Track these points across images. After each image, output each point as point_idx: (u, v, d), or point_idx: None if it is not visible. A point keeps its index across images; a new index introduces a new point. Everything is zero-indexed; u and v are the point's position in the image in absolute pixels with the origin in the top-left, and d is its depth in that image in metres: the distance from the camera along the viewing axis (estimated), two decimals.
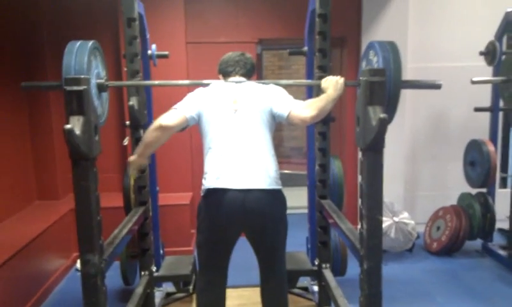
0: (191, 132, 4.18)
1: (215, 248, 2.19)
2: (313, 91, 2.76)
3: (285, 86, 2.27)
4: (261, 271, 2.27)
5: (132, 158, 2.27)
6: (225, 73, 2.32)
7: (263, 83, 2.26)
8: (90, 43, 1.92)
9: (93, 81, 1.97)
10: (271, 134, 2.22)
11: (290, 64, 7.99)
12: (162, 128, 2.09)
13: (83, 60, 1.82)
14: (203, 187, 2.15)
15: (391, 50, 1.84)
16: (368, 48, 1.99)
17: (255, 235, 2.20)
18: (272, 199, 2.12)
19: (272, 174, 2.12)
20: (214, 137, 2.14)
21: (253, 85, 2.24)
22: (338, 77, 2.10)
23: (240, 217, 2.08)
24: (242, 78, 2.27)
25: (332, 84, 2.08)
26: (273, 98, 2.18)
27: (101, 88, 2.05)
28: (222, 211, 2.08)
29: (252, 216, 2.09)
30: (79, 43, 1.90)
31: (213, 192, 2.09)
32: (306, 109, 2.08)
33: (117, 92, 4.06)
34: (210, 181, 2.10)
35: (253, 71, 2.36)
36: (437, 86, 2.00)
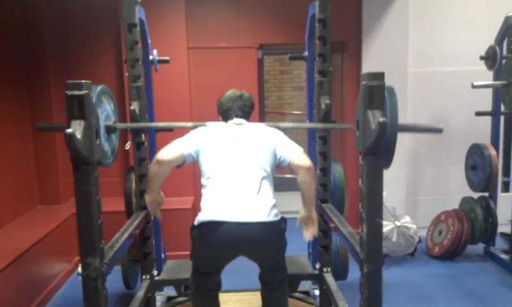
0: None
1: (209, 269, 2.23)
2: (313, 94, 2.78)
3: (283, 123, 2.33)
4: (262, 278, 2.31)
5: (146, 198, 2.38)
6: (225, 117, 2.38)
7: (264, 125, 2.35)
8: (99, 87, 2.00)
9: (102, 123, 2.03)
10: (272, 171, 2.24)
11: (291, 69, 8.01)
12: (159, 162, 2.18)
13: None
14: (198, 218, 2.14)
15: (387, 95, 1.82)
16: None
17: (255, 260, 2.25)
18: (272, 231, 2.13)
19: (271, 206, 2.13)
20: (213, 173, 2.17)
21: (254, 126, 2.33)
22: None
23: (238, 249, 2.12)
24: (243, 121, 2.34)
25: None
26: (277, 141, 2.25)
27: (109, 130, 2.11)
28: (217, 243, 2.08)
29: (251, 247, 2.12)
30: None
31: (209, 224, 2.09)
32: (308, 160, 2.19)
33: (119, 97, 4.07)
34: (206, 213, 2.10)
35: (252, 111, 2.44)
36: (438, 130, 1.94)
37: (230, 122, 2.33)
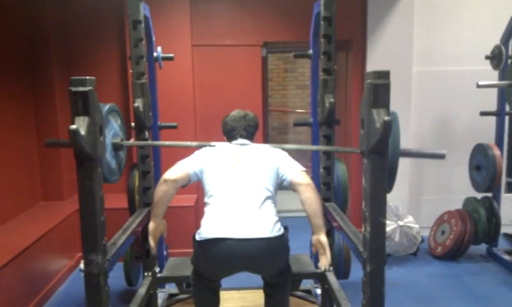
0: (196, 133, 4.19)
1: (209, 277, 2.24)
2: (317, 93, 2.77)
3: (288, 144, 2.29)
4: (266, 280, 2.32)
5: (150, 225, 2.34)
6: (229, 137, 2.41)
7: (269, 146, 2.34)
8: (107, 106, 2.04)
9: (109, 141, 2.06)
10: (275, 191, 2.24)
11: (295, 68, 7.98)
12: (166, 182, 2.20)
13: None
14: (199, 234, 2.13)
15: None
16: None
17: (259, 274, 2.25)
18: (277, 247, 2.12)
19: (274, 223, 2.13)
20: (215, 192, 2.18)
21: (258, 146, 2.34)
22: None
23: (240, 265, 2.12)
24: (247, 141, 2.35)
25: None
26: (280, 160, 2.26)
27: (116, 147, 2.15)
28: (219, 260, 2.08)
29: (253, 263, 2.11)
30: None
31: (210, 241, 2.08)
32: (308, 178, 2.18)
33: (122, 93, 4.08)
34: (208, 231, 2.10)
35: (256, 131, 2.46)
36: (441, 156, 1.92)
37: (234, 142, 2.35)
